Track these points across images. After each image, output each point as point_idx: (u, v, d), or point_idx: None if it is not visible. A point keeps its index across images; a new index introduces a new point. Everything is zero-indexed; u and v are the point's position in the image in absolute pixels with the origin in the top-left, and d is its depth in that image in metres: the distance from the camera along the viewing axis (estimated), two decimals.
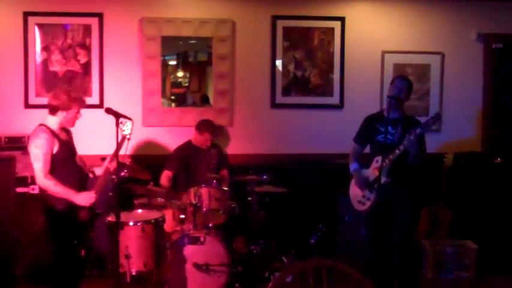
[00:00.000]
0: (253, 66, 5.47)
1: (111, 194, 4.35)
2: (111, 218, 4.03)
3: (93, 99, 5.21)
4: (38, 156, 3.55)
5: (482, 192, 5.49)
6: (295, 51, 5.50)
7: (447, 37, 5.64)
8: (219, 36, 5.36)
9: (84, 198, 3.64)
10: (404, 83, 4.11)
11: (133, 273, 4.01)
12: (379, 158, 3.97)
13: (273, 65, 5.46)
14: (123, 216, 3.96)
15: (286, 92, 5.50)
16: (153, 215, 4.28)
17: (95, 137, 4.90)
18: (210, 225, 4.48)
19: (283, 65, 5.49)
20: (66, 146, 3.70)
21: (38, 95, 5.17)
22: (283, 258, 4.64)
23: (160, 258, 4.15)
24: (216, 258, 4.26)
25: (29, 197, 4.67)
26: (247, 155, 5.43)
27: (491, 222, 5.40)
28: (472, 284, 4.99)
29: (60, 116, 3.67)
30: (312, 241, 4.72)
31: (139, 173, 4.43)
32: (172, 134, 5.37)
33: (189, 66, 5.54)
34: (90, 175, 3.96)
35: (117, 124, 3.68)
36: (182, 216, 4.60)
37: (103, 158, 3.99)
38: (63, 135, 3.72)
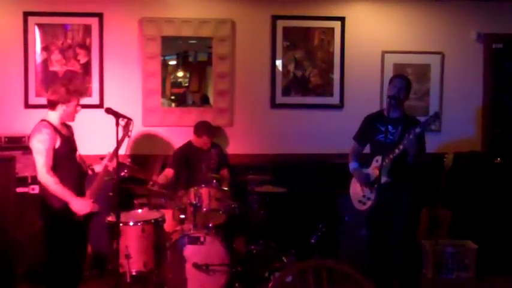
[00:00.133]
0: (253, 66, 5.47)
1: (111, 194, 4.36)
2: (111, 218, 4.04)
3: (93, 99, 5.21)
4: (41, 151, 3.55)
5: (482, 192, 5.49)
6: (295, 51, 5.50)
7: (447, 37, 5.64)
8: (219, 36, 5.36)
9: (80, 205, 3.61)
10: (404, 82, 4.11)
11: (133, 273, 4.01)
12: (379, 158, 3.97)
13: (273, 65, 5.46)
14: (123, 216, 3.97)
15: (286, 92, 5.50)
16: (153, 215, 4.28)
17: (95, 137, 4.90)
18: (210, 225, 4.48)
19: (283, 65, 5.49)
20: (68, 142, 3.71)
21: (38, 95, 5.17)
22: (283, 258, 4.64)
23: (160, 258, 4.15)
24: (216, 258, 4.26)
25: (29, 197, 4.67)
26: (247, 155, 5.43)
27: (491, 222, 5.40)
28: (472, 284, 4.99)
29: (60, 110, 3.67)
30: (312, 241, 4.71)
31: (139, 173, 4.43)
32: (172, 134, 5.37)
33: (189, 66, 5.54)
34: (89, 172, 3.96)
35: (117, 124, 3.68)
36: (182, 216, 4.60)
37: (102, 158, 3.98)
38: (64, 131, 3.73)
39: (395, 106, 4.04)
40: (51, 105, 3.68)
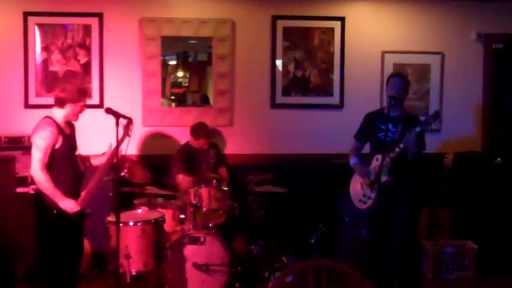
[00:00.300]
0: (253, 66, 5.47)
1: (111, 194, 4.36)
2: (111, 218, 4.04)
3: (93, 99, 5.21)
4: (40, 147, 3.55)
5: (482, 192, 5.49)
6: (295, 51, 5.50)
7: (447, 37, 5.64)
8: (219, 36, 5.36)
9: (68, 205, 3.59)
10: (402, 80, 4.11)
11: (133, 273, 4.02)
12: (379, 157, 3.97)
13: (273, 65, 5.46)
14: (123, 216, 3.97)
15: (286, 92, 5.50)
16: (153, 215, 4.28)
17: (95, 137, 4.89)
18: (210, 225, 4.48)
19: (283, 65, 5.49)
20: (69, 142, 3.71)
21: (38, 95, 5.17)
22: (283, 258, 4.64)
23: (160, 258, 4.16)
24: (216, 258, 4.26)
25: (29, 197, 4.66)
26: (247, 155, 5.43)
27: (491, 222, 5.39)
28: (472, 284, 4.99)
29: (68, 108, 3.69)
30: (312, 241, 4.72)
31: (139, 173, 4.43)
32: (172, 134, 5.38)
33: (189, 66, 5.54)
34: (88, 164, 3.95)
35: (117, 124, 3.69)
36: (182, 216, 4.60)
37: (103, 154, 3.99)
38: (67, 130, 3.74)
39: (396, 105, 4.04)
40: (60, 103, 3.69)
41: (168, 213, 4.48)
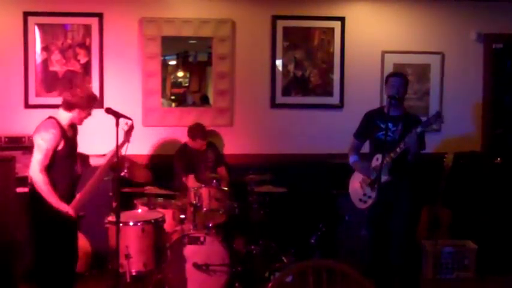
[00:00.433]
0: (253, 66, 5.47)
1: (111, 194, 4.36)
2: (111, 218, 4.04)
3: None
4: (42, 148, 3.55)
5: (482, 192, 5.49)
6: (295, 51, 5.50)
7: (447, 37, 5.64)
8: (219, 36, 5.36)
9: (62, 209, 3.58)
10: (400, 79, 4.10)
11: (133, 273, 4.02)
12: (379, 156, 3.97)
13: (273, 65, 5.46)
14: (123, 216, 3.97)
15: (286, 92, 5.50)
16: (153, 215, 4.28)
17: (95, 137, 4.90)
18: (210, 225, 4.48)
19: (283, 65, 5.49)
20: (70, 144, 3.71)
21: (38, 95, 5.17)
22: (283, 258, 4.65)
23: (160, 258, 4.16)
24: (216, 258, 4.26)
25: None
26: (247, 155, 5.43)
27: (491, 222, 5.40)
28: (472, 284, 4.99)
29: (75, 113, 3.68)
30: (312, 241, 4.72)
31: (140, 173, 4.43)
32: (172, 134, 5.37)
33: (189, 66, 5.54)
34: (86, 163, 3.95)
35: (117, 124, 3.69)
36: (182, 216, 4.60)
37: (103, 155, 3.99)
38: (70, 132, 3.73)
39: (396, 105, 4.04)
40: (68, 106, 3.67)
41: (168, 213, 4.48)
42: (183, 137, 5.24)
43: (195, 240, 4.27)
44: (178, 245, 4.26)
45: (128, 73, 5.31)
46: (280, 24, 5.45)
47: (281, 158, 5.46)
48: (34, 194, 3.60)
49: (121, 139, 3.80)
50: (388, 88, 4.09)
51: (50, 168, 3.59)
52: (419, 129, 3.86)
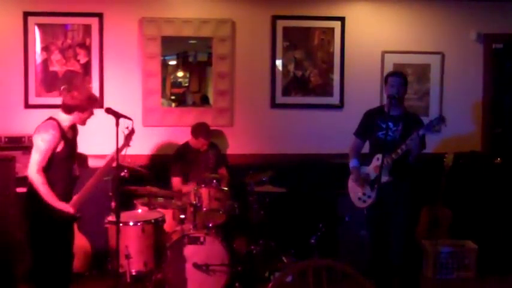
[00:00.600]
0: (253, 66, 5.47)
1: (111, 194, 4.36)
2: (111, 218, 4.04)
3: None
4: (40, 149, 3.55)
5: (482, 192, 5.49)
6: (295, 51, 5.50)
7: (447, 37, 5.64)
8: (219, 36, 5.36)
9: (62, 208, 3.59)
10: (400, 79, 4.10)
11: (133, 273, 4.02)
12: (380, 156, 3.96)
13: (273, 65, 5.46)
14: (123, 216, 3.96)
15: (286, 92, 5.50)
16: (153, 215, 4.28)
17: (95, 137, 4.89)
18: (210, 225, 4.48)
19: (283, 65, 5.49)
20: (70, 146, 3.70)
21: (38, 95, 5.17)
22: (283, 258, 4.64)
23: (160, 258, 4.16)
24: (216, 258, 4.26)
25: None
26: (248, 155, 5.43)
27: (491, 222, 5.40)
28: (472, 284, 4.99)
29: (75, 115, 3.68)
30: (312, 241, 4.71)
31: (139, 173, 4.43)
32: (172, 134, 5.37)
33: (189, 66, 5.54)
34: (85, 163, 3.95)
35: (117, 124, 3.68)
36: (182, 216, 4.59)
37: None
38: (70, 134, 3.73)
39: (396, 104, 4.04)
40: (68, 109, 3.66)
41: (168, 213, 4.48)
42: (183, 137, 5.24)
43: (195, 240, 4.27)
44: (178, 245, 4.26)
45: (128, 73, 5.31)
46: (280, 24, 5.45)
47: (281, 158, 5.46)
48: (31, 194, 3.60)
49: (121, 142, 3.80)
50: (388, 88, 4.09)
51: (48, 169, 3.59)
52: (421, 132, 3.87)
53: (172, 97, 5.51)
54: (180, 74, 5.56)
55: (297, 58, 5.50)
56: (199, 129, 5.04)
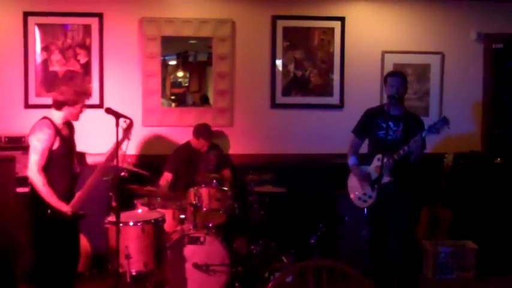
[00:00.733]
0: (253, 66, 5.47)
1: (111, 194, 4.36)
2: (111, 218, 4.04)
3: (93, 99, 5.17)
4: (37, 149, 3.56)
5: (482, 192, 5.49)
6: (295, 51, 5.50)
7: (447, 37, 5.64)
8: (219, 36, 5.36)
9: (62, 209, 3.58)
10: (399, 79, 4.10)
11: (133, 273, 4.01)
12: (381, 156, 3.96)
13: (273, 65, 5.46)
14: (123, 216, 3.96)
15: (286, 92, 5.50)
16: (153, 215, 4.28)
17: (95, 137, 4.89)
18: (210, 225, 4.48)
19: (283, 65, 5.49)
20: (66, 143, 3.71)
21: (38, 95, 5.17)
22: (283, 258, 4.64)
23: (160, 258, 4.15)
24: (216, 258, 4.26)
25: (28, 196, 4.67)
26: (248, 155, 5.43)
27: (491, 222, 5.39)
28: (472, 284, 4.99)
29: (66, 111, 3.69)
30: (312, 241, 4.71)
31: (139, 173, 4.43)
32: (172, 134, 5.37)
33: (189, 66, 5.54)
34: (83, 161, 3.95)
35: (117, 124, 3.68)
36: (182, 216, 4.60)
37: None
38: (65, 131, 3.74)
39: (396, 104, 4.04)
40: (58, 106, 3.69)
41: (168, 213, 4.48)
42: (183, 137, 5.24)
43: (195, 240, 4.27)
44: (178, 245, 4.26)
45: (128, 73, 5.31)
46: (280, 24, 5.45)
47: (281, 158, 5.46)
48: (35, 195, 3.60)
49: (120, 136, 3.79)
50: (388, 88, 4.09)
51: (48, 167, 3.59)
52: (424, 134, 3.87)
53: (172, 97, 5.51)
54: (180, 74, 5.56)
55: (297, 58, 5.50)
56: (201, 130, 5.04)
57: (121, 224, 3.85)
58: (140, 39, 5.29)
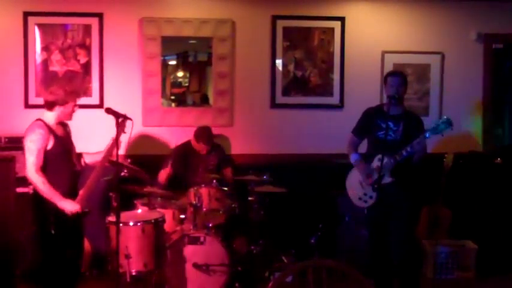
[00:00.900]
0: (253, 66, 5.47)
1: (111, 194, 4.36)
2: (111, 218, 4.04)
3: (93, 99, 5.21)
4: (32, 150, 3.57)
5: (482, 192, 5.48)
6: (295, 51, 5.50)
7: (447, 37, 5.64)
8: (219, 36, 5.36)
9: (67, 206, 3.59)
10: (399, 79, 4.10)
11: (133, 273, 4.01)
12: (381, 157, 3.95)
13: (273, 65, 5.47)
14: (123, 216, 3.96)
15: (286, 92, 5.50)
16: (153, 215, 4.27)
17: (95, 137, 4.89)
18: (210, 225, 4.48)
19: (283, 65, 5.49)
20: (62, 143, 3.71)
21: (38, 95, 5.16)
22: (283, 258, 4.64)
23: (160, 258, 4.15)
24: (216, 258, 4.26)
25: (29, 197, 4.66)
26: (248, 155, 5.43)
27: (491, 222, 5.39)
28: (472, 284, 4.99)
29: (58, 111, 3.70)
30: (312, 241, 4.71)
31: (139, 174, 4.42)
32: (172, 134, 5.37)
33: (189, 66, 5.54)
34: (83, 164, 3.95)
35: (117, 124, 3.68)
36: (182, 216, 4.60)
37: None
38: (59, 131, 3.74)
39: (396, 104, 4.04)
40: (49, 106, 3.71)
41: (168, 213, 4.48)
42: (183, 137, 5.24)
43: (195, 240, 4.27)
44: (178, 245, 4.26)
45: (128, 73, 5.31)
46: (280, 24, 5.45)
47: (281, 158, 5.46)
48: (36, 195, 3.61)
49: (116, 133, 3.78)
50: (388, 88, 4.09)
51: (46, 167, 3.60)
52: (428, 135, 3.87)
53: (172, 97, 5.51)
54: (180, 74, 5.56)
55: (297, 58, 5.50)
56: (201, 134, 5.02)
57: (121, 224, 3.85)
58: (140, 39, 5.29)
